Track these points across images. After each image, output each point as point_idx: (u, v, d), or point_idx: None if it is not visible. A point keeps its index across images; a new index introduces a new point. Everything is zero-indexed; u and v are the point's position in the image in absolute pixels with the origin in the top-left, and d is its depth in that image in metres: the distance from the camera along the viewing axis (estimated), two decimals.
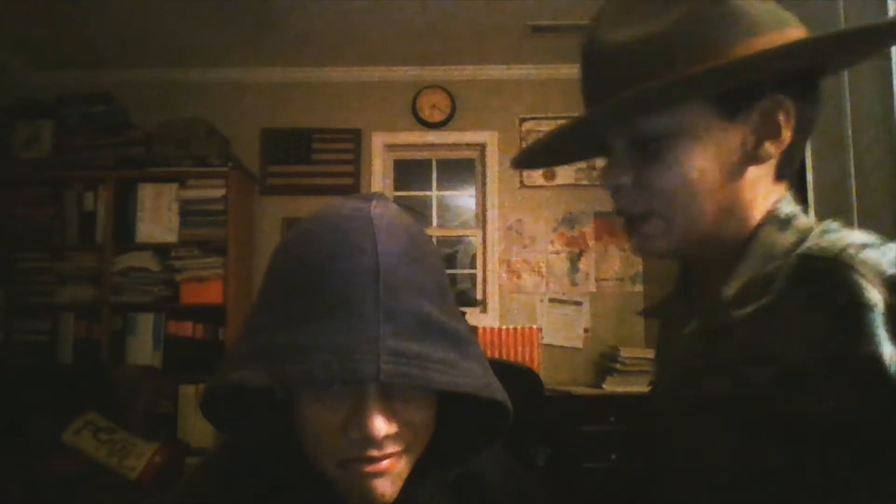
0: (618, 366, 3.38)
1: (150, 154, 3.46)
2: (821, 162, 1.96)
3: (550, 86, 3.92)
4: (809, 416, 0.60)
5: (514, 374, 3.01)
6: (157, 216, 3.42)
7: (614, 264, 3.81)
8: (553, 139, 0.79)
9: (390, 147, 3.99)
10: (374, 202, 0.65)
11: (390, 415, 0.60)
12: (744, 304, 0.67)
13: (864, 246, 0.61)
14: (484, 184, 3.94)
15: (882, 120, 1.65)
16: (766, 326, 0.64)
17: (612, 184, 0.75)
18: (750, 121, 0.69)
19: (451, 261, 4.04)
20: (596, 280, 3.80)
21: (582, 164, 3.86)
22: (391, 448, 0.61)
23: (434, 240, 3.99)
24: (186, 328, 3.42)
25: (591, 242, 3.83)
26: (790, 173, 0.74)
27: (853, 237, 0.64)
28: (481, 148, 3.96)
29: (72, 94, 3.62)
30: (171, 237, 3.41)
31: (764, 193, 0.72)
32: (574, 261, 3.83)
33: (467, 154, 4.05)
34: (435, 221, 4.07)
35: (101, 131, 3.51)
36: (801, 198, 0.76)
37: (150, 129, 3.54)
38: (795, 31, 0.68)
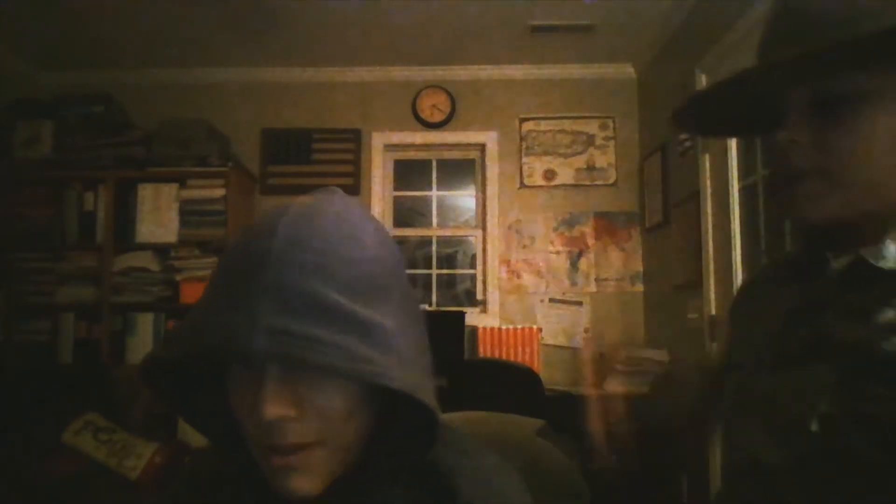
0: (618, 366, 3.37)
1: (150, 154, 3.46)
2: None
3: (550, 86, 3.92)
4: None
5: (514, 374, 3.01)
6: (157, 216, 3.42)
7: (614, 264, 3.81)
8: (724, 88, 0.75)
9: (390, 147, 3.99)
10: (321, 195, 0.66)
11: (292, 400, 0.58)
12: None
13: None
14: (484, 184, 3.94)
15: None
16: None
17: (789, 139, 0.70)
18: None
19: (451, 261, 4.04)
20: (596, 280, 3.80)
21: (582, 164, 3.86)
22: (297, 438, 0.59)
23: (433, 241, 4.02)
24: None
25: (591, 242, 3.83)
26: None
27: None
28: (481, 148, 3.96)
29: (72, 94, 3.62)
30: (171, 237, 3.41)
31: None
32: (574, 261, 3.83)
33: (467, 154, 4.05)
34: (435, 221, 4.07)
35: (101, 131, 3.51)
36: None
37: (150, 129, 3.54)
38: None
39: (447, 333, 3.55)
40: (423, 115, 3.92)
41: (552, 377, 3.55)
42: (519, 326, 3.71)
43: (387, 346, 0.59)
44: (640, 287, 3.78)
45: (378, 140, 3.94)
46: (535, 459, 0.81)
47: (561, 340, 3.76)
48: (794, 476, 0.69)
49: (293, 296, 0.56)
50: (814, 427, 0.66)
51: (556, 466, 0.80)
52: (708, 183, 2.80)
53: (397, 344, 0.60)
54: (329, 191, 0.68)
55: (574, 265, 3.82)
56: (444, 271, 4.02)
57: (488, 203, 3.90)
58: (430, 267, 4.02)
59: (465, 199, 4.10)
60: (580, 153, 3.88)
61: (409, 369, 0.60)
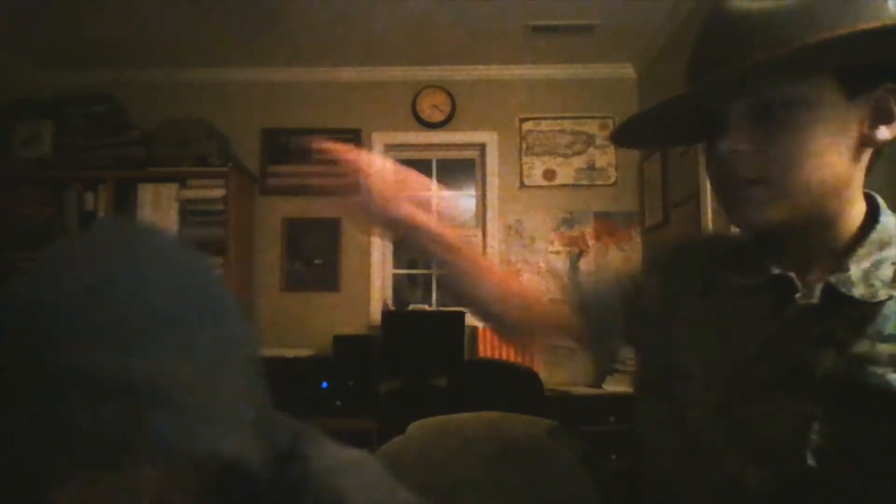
0: (618, 366, 3.38)
1: (150, 154, 3.46)
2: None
3: (550, 86, 3.92)
4: None
5: (514, 375, 3.01)
6: (157, 216, 3.42)
7: (614, 264, 3.80)
8: (664, 107, 0.78)
9: (390, 147, 3.99)
10: (76, 240, 0.59)
11: None
12: (874, 288, 0.71)
13: None
14: (484, 184, 3.94)
15: None
16: (886, 311, 0.69)
17: (732, 148, 0.73)
18: (868, 104, 0.72)
19: None
20: None
21: (582, 164, 3.86)
22: None
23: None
24: None
25: (591, 242, 3.83)
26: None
27: None
28: (481, 148, 3.96)
29: (72, 94, 3.62)
30: None
31: (859, 186, 0.76)
32: (574, 261, 3.83)
33: (467, 154, 4.05)
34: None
35: (101, 131, 3.51)
36: None
37: (150, 129, 3.54)
38: None
39: (447, 334, 3.55)
40: (423, 115, 3.92)
41: (552, 377, 3.55)
42: None
43: (164, 402, 0.50)
44: None
45: (378, 140, 3.94)
46: (543, 462, 0.81)
47: None
48: (782, 501, 0.71)
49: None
50: (810, 460, 0.69)
51: (564, 469, 0.79)
52: (708, 183, 2.80)
53: (177, 395, 0.51)
54: (95, 227, 0.60)
55: (574, 265, 3.82)
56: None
57: (488, 203, 3.89)
58: (430, 267, 4.01)
59: (465, 199, 4.10)
60: (580, 153, 3.88)
61: (199, 418, 0.51)
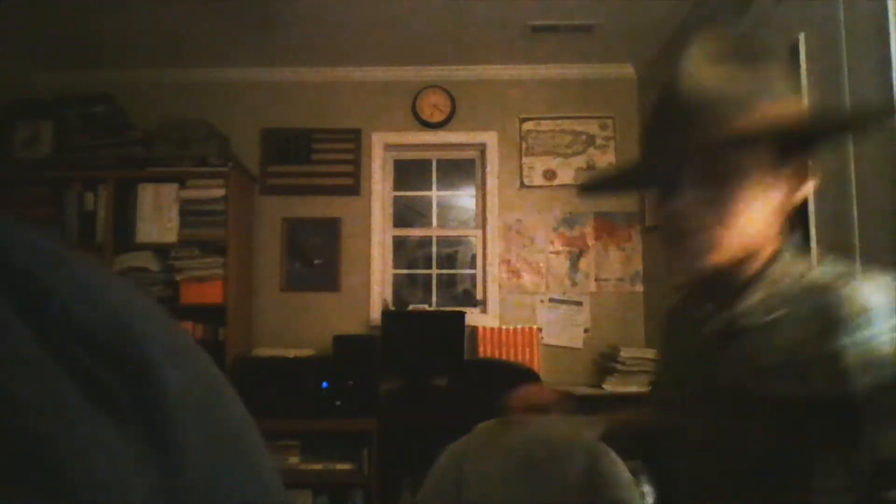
0: (618, 366, 3.38)
1: (150, 154, 3.46)
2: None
3: (550, 86, 3.93)
4: (803, 398, 0.81)
5: (515, 374, 3.01)
6: (157, 216, 3.42)
7: (614, 264, 3.81)
8: (627, 171, 0.97)
9: (390, 147, 3.99)
10: None
11: None
12: (760, 314, 0.88)
13: (848, 276, 0.84)
14: (484, 184, 3.94)
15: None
16: (779, 331, 0.85)
17: (680, 205, 0.89)
18: (792, 169, 0.89)
19: (450, 261, 4.04)
20: (596, 280, 3.80)
21: (582, 164, 3.86)
22: None
23: (433, 241, 4.02)
24: (186, 328, 3.41)
25: (591, 242, 3.83)
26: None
27: (842, 270, 0.86)
28: (481, 148, 3.96)
29: (72, 94, 3.62)
30: (171, 237, 3.41)
31: (776, 234, 0.92)
32: (574, 261, 3.83)
33: (467, 154, 4.05)
34: (435, 221, 4.07)
35: (101, 131, 3.51)
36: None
37: (150, 129, 3.54)
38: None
39: (447, 334, 3.55)
40: (423, 115, 3.92)
41: (552, 377, 3.55)
42: (519, 326, 3.71)
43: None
44: (640, 287, 3.78)
45: (378, 140, 3.94)
46: (593, 465, 0.82)
47: (561, 340, 3.76)
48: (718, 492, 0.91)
49: None
50: (719, 461, 0.89)
51: (615, 471, 0.81)
52: None
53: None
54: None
55: (574, 265, 3.82)
56: (444, 271, 4.02)
57: (488, 203, 3.90)
58: (429, 267, 4.02)
59: (464, 199, 4.10)
60: (580, 153, 3.88)
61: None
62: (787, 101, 0.88)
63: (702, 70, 0.89)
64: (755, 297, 0.89)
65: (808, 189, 0.90)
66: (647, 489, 0.76)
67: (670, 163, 0.90)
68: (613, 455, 0.80)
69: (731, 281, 0.92)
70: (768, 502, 0.85)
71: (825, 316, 0.82)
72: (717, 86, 0.86)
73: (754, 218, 0.88)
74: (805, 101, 1.88)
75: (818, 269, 0.89)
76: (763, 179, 0.87)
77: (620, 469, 0.78)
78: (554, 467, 0.86)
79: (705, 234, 0.88)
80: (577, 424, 0.90)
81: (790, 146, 0.88)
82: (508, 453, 0.93)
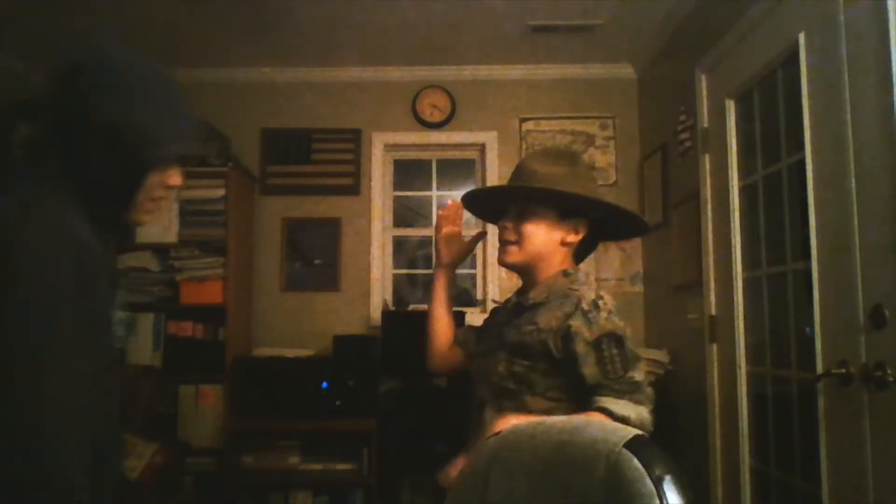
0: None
1: None
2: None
3: (550, 86, 3.93)
4: (547, 349, 1.46)
5: None
6: (157, 216, 3.41)
7: (614, 264, 3.81)
8: (485, 191, 2.00)
9: (390, 147, 4.00)
10: None
11: None
12: (538, 300, 1.55)
13: (590, 288, 1.54)
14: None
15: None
16: (546, 309, 1.51)
17: (506, 225, 1.60)
18: (570, 223, 1.59)
19: None
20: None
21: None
22: None
23: (433, 241, 4.00)
24: (186, 328, 3.42)
25: None
26: (581, 259, 1.66)
27: (588, 287, 1.54)
28: (481, 148, 3.97)
29: None
30: (171, 237, 3.41)
31: (561, 260, 1.59)
32: None
33: (467, 154, 4.05)
34: (435, 221, 4.06)
35: None
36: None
37: None
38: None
39: None
40: (423, 115, 3.92)
41: None
42: None
43: None
44: (640, 287, 3.78)
45: (378, 140, 3.94)
46: (614, 473, 0.82)
47: None
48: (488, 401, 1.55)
49: None
50: (495, 379, 1.52)
51: (635, 478, 0.79)
52: (708, 183, 2.80)
53: None
54: None
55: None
56: None
57: None
58: (429, 267, 4.02)
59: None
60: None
61: None
62: (584, 185, 1.54)
63: (534, 160, 1.61)
64: (538, 291, 1.56)
65: (582, 236, 1.60)
66: (672, 499, 0.75)
67: (505, 195, 1.64)
68: (636, 462, 0.79)
69: (527, 282, 1.63)
70: (518, 404, 1.45)
71: (570, 305, 1.46)
72: (540, 168, 1.56)
73: (538, 243, 1.56)
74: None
75: (577, 284, 1.54)
76: (548, 223, 1.56)
77: (641, 477, 0.77)
78: (575, 473, 0.85)
79: (510, 245, 1.59)
80: (605, 428, 0.90)
81: (570, 208, 1.56)
82: (535, 456, 0.94)
